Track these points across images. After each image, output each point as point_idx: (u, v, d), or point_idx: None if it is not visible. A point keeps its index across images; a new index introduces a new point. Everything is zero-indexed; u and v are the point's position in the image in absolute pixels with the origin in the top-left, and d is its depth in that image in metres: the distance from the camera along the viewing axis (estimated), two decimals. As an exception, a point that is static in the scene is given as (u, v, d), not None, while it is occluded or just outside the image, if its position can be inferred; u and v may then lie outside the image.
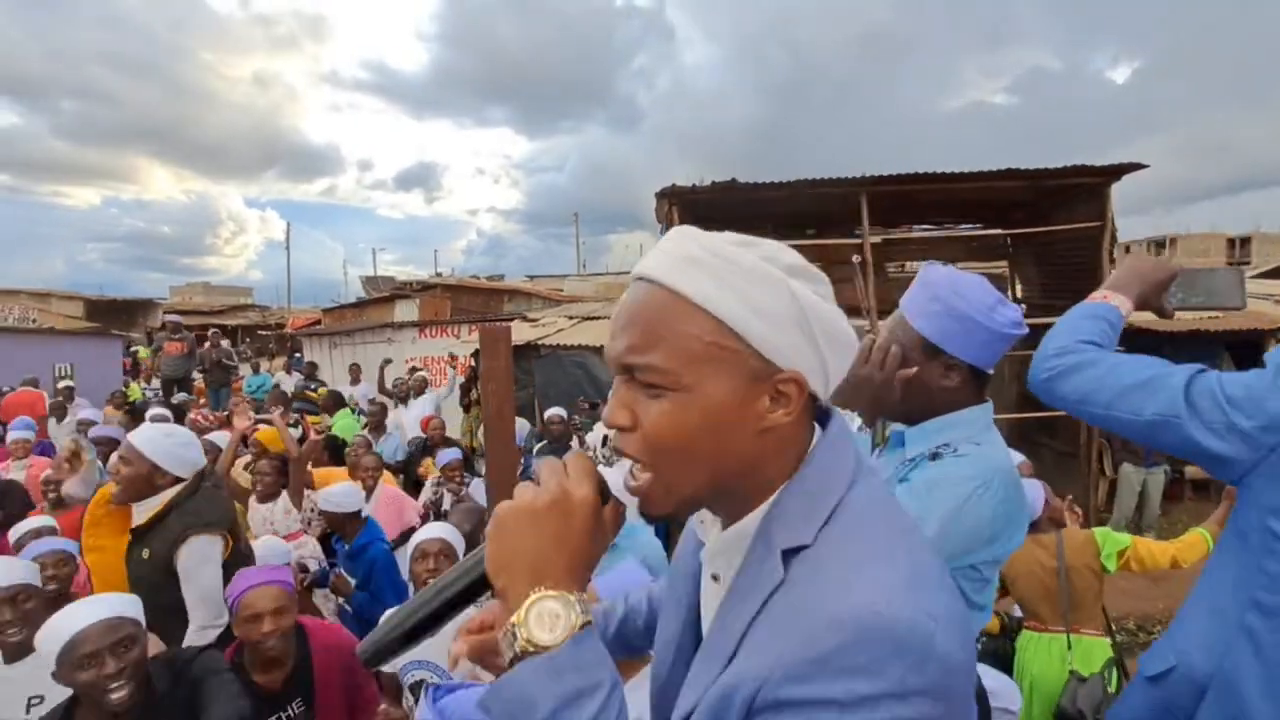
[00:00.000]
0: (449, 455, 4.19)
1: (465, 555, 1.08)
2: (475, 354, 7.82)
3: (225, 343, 10.39)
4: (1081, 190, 6.60)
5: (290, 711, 1.99)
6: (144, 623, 1.63)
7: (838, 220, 8.10)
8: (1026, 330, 1.29)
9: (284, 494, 3.74)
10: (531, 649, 0.54)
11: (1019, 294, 9.02)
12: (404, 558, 2.99)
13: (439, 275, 23.67)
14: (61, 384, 8.48)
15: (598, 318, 9.29)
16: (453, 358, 8.12)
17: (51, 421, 7.21)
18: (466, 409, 7.75)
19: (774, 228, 8.73)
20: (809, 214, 8.40)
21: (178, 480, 2.21)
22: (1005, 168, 6.48)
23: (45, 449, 5.94)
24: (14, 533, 2.95)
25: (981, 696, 1.32)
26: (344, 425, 6.46)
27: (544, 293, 12.90)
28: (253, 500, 3.63)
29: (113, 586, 2.11)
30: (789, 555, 0.57)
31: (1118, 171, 6.29)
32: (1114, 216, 6.34)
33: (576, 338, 7.61)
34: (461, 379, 8.60)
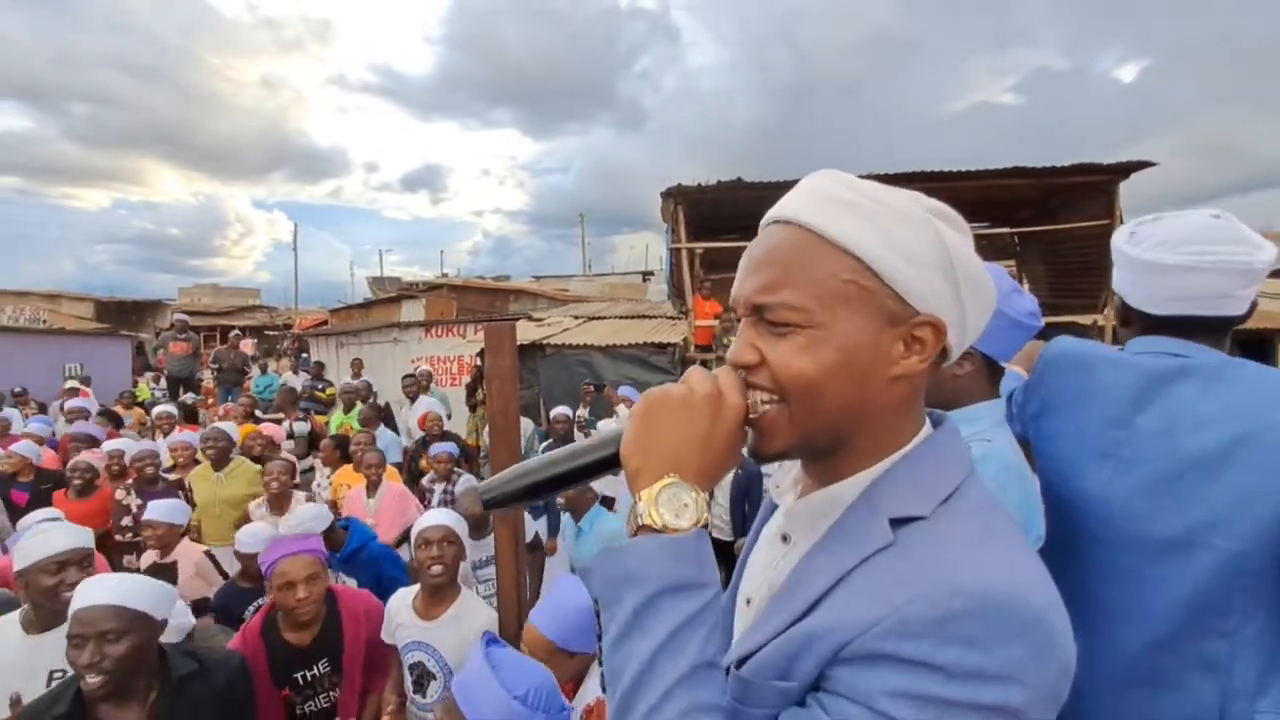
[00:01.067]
0: (440, 447, 4.20)
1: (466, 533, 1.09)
2: (481, 354, 7.84)
3: (246, 344, 10.43)
4: (1090, 189, 6.56)
5: (316, 670, 2.09)
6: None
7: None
8: (1042, 323, 1.27)
9: (297, 497, 3.71)
10: (656, 528, 0.54)
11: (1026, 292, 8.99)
12: (406, 555, 3.00)
13: (445, 276, 23.72)
14: (68, 384, 8.56)
15: (603, 317, 9.29)
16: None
17: (60, 420, 7.29)
18: (473, 409, 7.76)
19: (780, 227, 8.74)
20: (815, 213, 8.41)
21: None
22: (1012, 166, 6.45)
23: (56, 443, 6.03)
24: (23, 523, 2.99)
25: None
26: (346, 423, 6.47)
27: (549, 293, 12.93)
28: (259, 508, 3.59)
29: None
30: (898, 524, 0.54)
31: (1126, 170, 6.25)
32: (1123, 215, 6.29)
33: (581, 337, 7.63)
34: (468, 378, 8.62)
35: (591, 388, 6.13)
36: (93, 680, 1.45)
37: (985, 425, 1.18)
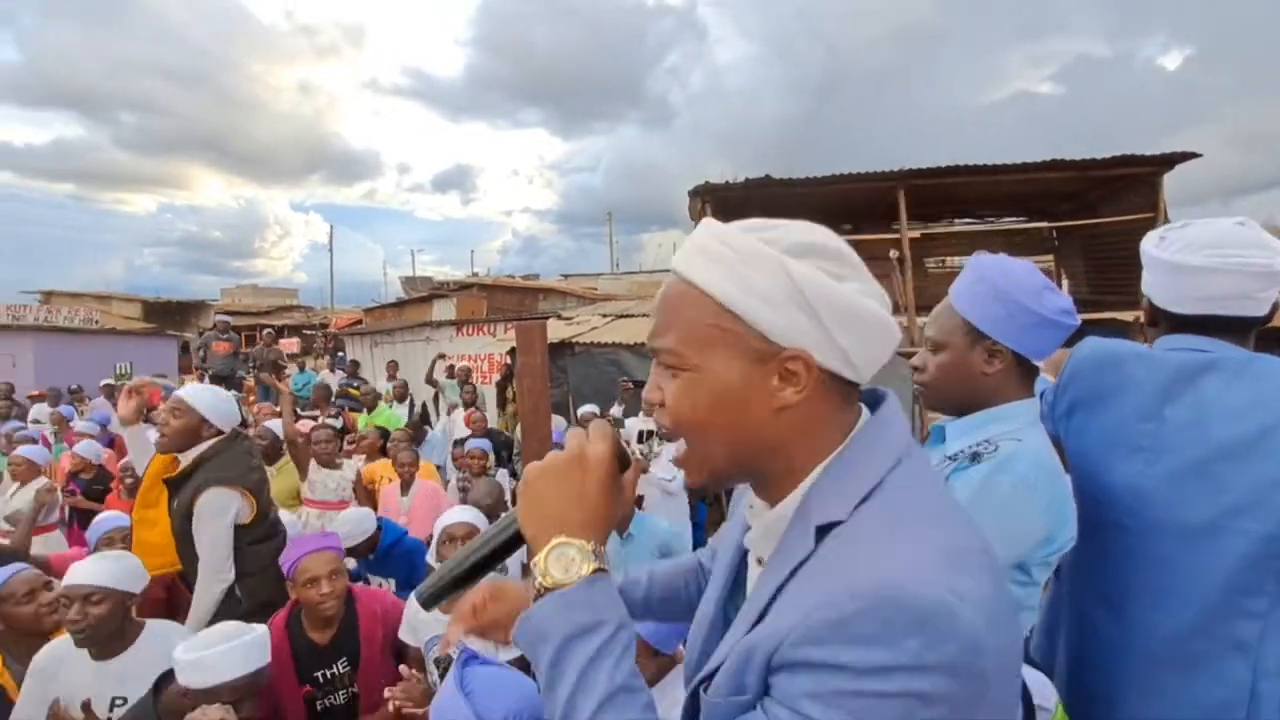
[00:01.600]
0: (474, 443, 4.29)
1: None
2: (511, 352, 7.95)
3: (290, 343, 10.74)
4: (1132, 181, 6.37)
5: (336, 669, 2.12)
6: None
7: (875, 215, 7.97)
8: (1078, 322, 1.26)
9: (346, 463, 4.07)
10: (550, 587, 0.61)
11: (1065, 288, 8.75)
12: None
13: (475, 275, 24.03)
14: (102, 383, 8.89)
15: (631, 315, 9.32)
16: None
17: (111, 414, 7.62)
18: (502, 406, 7.88)
19: (809, 224, 8.65)
20: (845, 209, 8.27)
21: (219, 433, 2.38)
22: (1050, 159, 6.28)
23: (112, 440, 6.30)
24: (93, 525, 3.16)
25: (1025, 695, 1.29)
26: (386, 419, 6.62)
27: (578, 291, 13.02)
28: (314, 465, 3.93)
29: (152, 555, 2.30)
30: (823, 531, 0.58)
31: (1169, 161, 6.05)
32: (1167, 207, 6.10)
33: (610, 336, 7.66)
34: (498, 376, 8.75)
35: (630, 385, 6.13)
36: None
37: (1018, 424, 1.17)
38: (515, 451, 5.79)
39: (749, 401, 0.60)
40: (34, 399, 8.25)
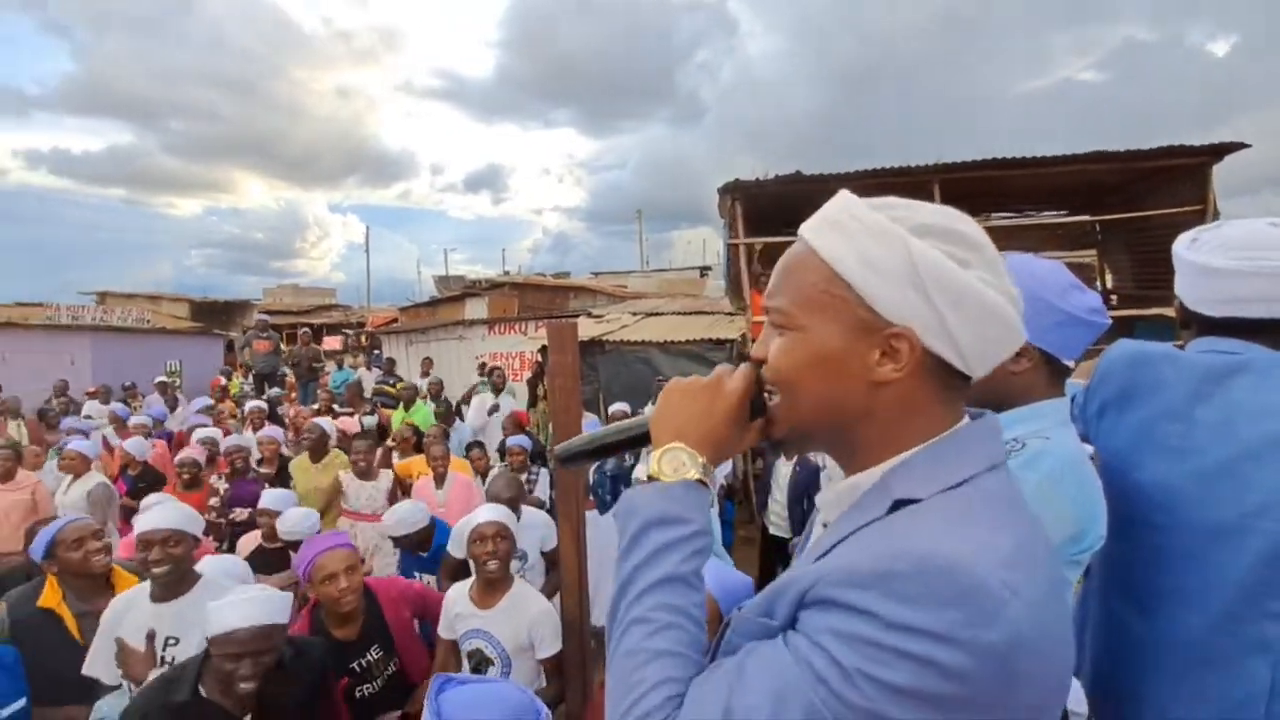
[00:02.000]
0: (515, 440, 4.38)
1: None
2: (543, 350, 8.04)
3: (334, 339, 11.03)
4: (1179, 172, 6.13)
5: (370, 656, 2.21)
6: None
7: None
8: (1108, 320, 1.25)
9: (384, 473, 4.11)
10: (656, 478, 0.68)
11: (1109, 284, 8.47)
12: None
13: (507, 274, 24.30)
14: (157, 380, 9.28)
15: (660, 314, 9.34)
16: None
17: (165, 411, 7.96)
18: (533, 404, 7.98)
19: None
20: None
21: None
22: (1093, 150, 6.10)
23: (164, 435, 6.60)
24: (143, 505, 3.33)
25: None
26: (422, 416, 6.78)
27: (608, 290, 13.09)
28: (350, 475, 4.05)
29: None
30: (899, 505, 0.59)
31: (1218, 151, 5.81)
32: (1216, 199, 5.86)
33: (640, 334, 7.70)
34: (529, 374, 8.86)
35: (664, 382, 6.22)
36: (246, 688, 1.64)
37: (1047, 423, 1.16)
38: (548, 448, 5.86)
39: (846, 370, 0.61)
40: (90, 395, 8.66)
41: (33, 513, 4.10)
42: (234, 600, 1.72)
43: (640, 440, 0.75)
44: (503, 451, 5.00)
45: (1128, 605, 1.26)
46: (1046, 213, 8.62)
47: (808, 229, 0.66)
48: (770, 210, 7.75)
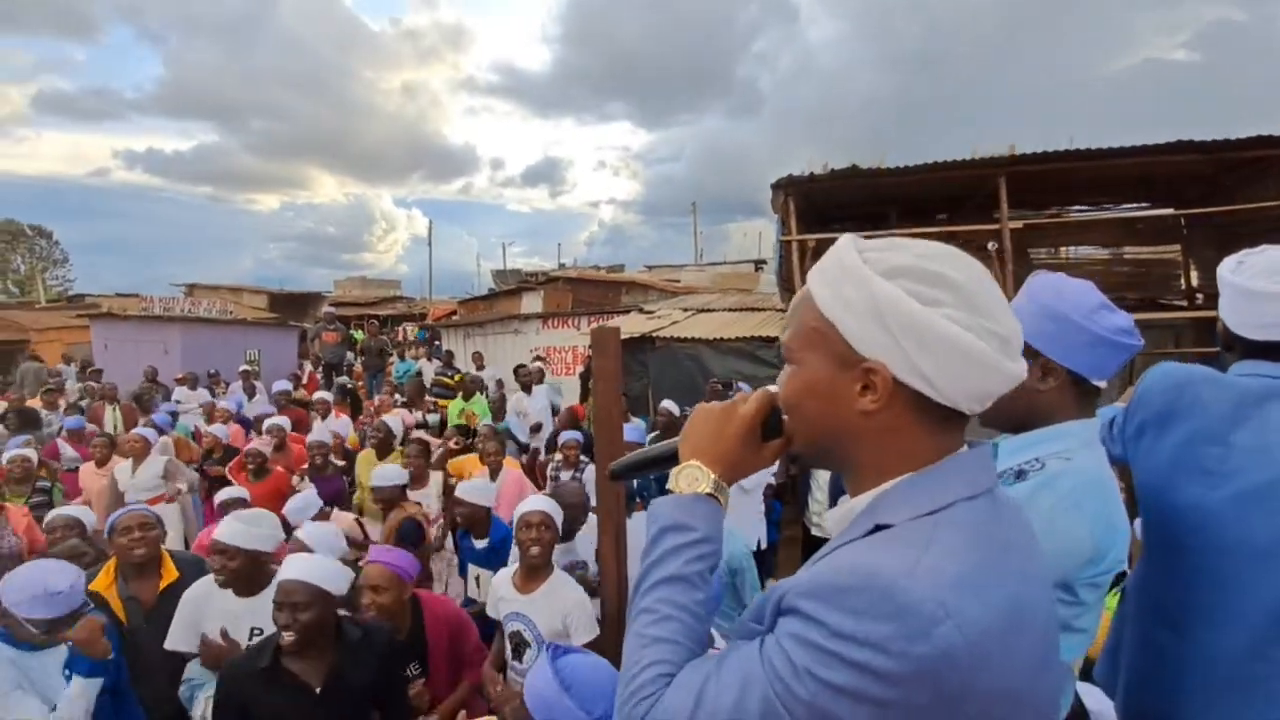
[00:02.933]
0: (568, 436, 4.49)
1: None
2: (593, 345, 8.18)
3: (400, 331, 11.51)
4: (1273, 164, 5.68)
5: (410, 672, 2.31)
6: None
7: (975, 203, 7.51)
8: (1139, 341, 1.22)
9: (434, 477, 4.26)
10: (673, 491, 0.78)
11: (1195, 281, 7.91)
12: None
13: (562, 267, 24.65)
14: (241, 368, 9.93)
15: (712, 310, 9.32)
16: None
17: (244, 398, 8.53)
18: (584, 398, 8.14)
19: (899, 215, 8.19)
20: (940, 198, 7.85)
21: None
22: (1175, 140, 5.71)
23: (244, 420, 7.08)
24: (217, 497, 3.63)
25: (1083, 717, 1.27)
26: (480, 408, 7.02)
27: (660, 284, 13.15)
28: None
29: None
30: (878, 529, 0.66)
31: (1321, 140, 5.34)
32: (1317, 193, 5.39)
33: (690, 330, 7.70)
34: (581, 368, 9.03)
35: (719, 386, 6.25)
36: (287, 637, 1.80)
37: (1072, 444, 1.15)
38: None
39: (835, 398, 0.69)
40: (178, 382, 9.35)
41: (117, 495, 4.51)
42: (294, 558, 1.92)
43: (674, 459, 0.84)
44: (549, 445, 5.15)
45: (1162, 627, 1.25)
46: (1127, 205, 8.11)
47: (812, 272, 0.74)
48: (825, 205, 7.59)
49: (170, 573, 2.50)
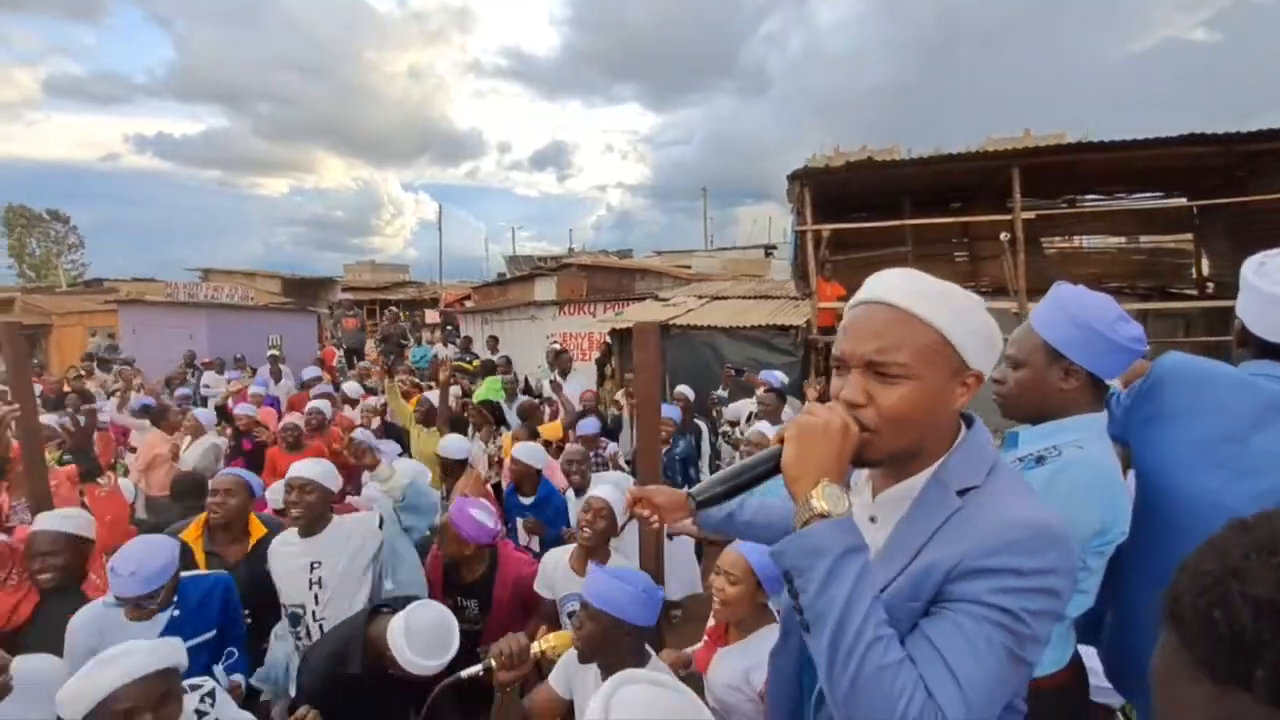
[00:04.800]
0: (586, 426, 4.71)
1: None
2: (612, 332, 8.35)
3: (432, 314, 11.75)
4: (1288, 156, 5.73)
5: (469, 604, 2.61)
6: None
7: (988, 192, 7.57)
8: (1146, 347, 1.38)
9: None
10: (823, 515, 0.77)
11: (1205, 270, 7.98)
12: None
13: (572, 251, 24.67)
14: (269, 353, 10.19)
15: (726, 297, 9.44)
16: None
17: (270, 381, 8.76)
18: (601, 382, 8.33)
19: (913, 204, 8.26)
20: (954, 187, 7.91)
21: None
22: (1189, 133, 5.76)
23: (271, 401, 7.33)
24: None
25: (1081, 670, 1.45)
26: (495, 389, 7.19)
27: (673, 272, 13.25)
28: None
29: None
30: (963, 492, 0.84)
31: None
32: (1330, 186, 5.45)
33: (706, 318, 7.83)
34: (597, 354, 9.20)
35: (732, 371, 6.44)
36: None
37: (1084, 434, 1.33)
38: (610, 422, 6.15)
39: (944, 403, 0.86)
40: (206, 366, 9.61)
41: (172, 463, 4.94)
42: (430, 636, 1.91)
43: (769, 476, 0.87)
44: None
45: (1153, 589, 1.39)
46: (1142, 195, 8.15)
47: (901, 298, 0.85)
48: (839, 195, 7.66)
49: (258, 529, 2.76)
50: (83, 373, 9.36)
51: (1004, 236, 6.77)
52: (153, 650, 1.47)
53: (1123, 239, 8.75)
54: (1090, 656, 1.52)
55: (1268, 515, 0.55)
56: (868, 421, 0.84)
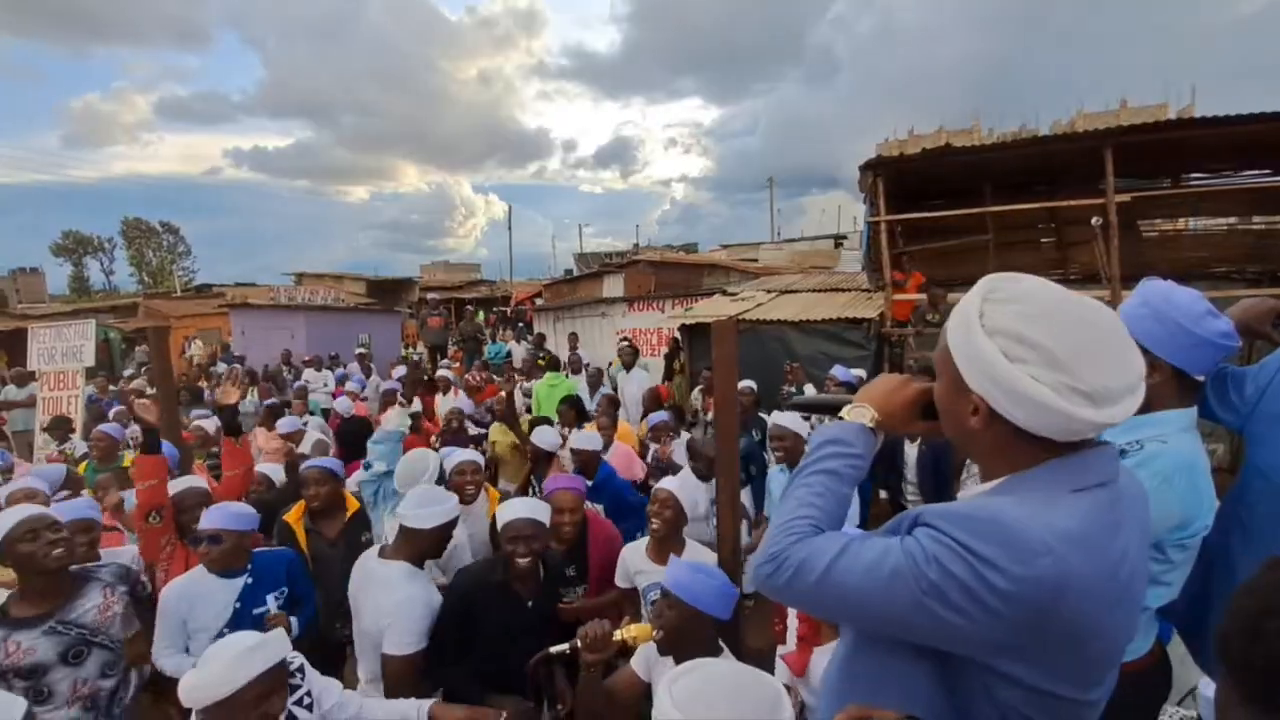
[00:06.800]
0: (657, 417, 4.86)
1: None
2: (681, 327, 8.45)
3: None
4: None
5: (568, 572, 2.82)
6: None
7: (1078, 173, 7.14)
8: (1238, 343, 1.38)
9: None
10: (843, 418, 1.04)
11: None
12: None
13: (637, 247, 24.85)
14: (357, 351, 10.90)
15: (796, 291, 9.32)
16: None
17: (363, 379, 9.39)
18: (670, 376, 8.45)
19: (994, 190, 7.87)
20: (1040, 169, 7.49)
21: None
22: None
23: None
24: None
25: (1164, 659, 1.47)
26: (567, 387, 7.44)
27: (741, 266, 13.22)
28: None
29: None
30: None
31: None
32: None
33: (775, 312, 7.72)
34: (666, 349, 9.34)
35: (790, 365, 6.46)
36: (522, 563, 2.33)
37: (1169, 429, 1.35)
38: (690, 419, 6.27)
39: (957, 413, 0.89)
40: (306, 364, 10.40)
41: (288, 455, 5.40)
42: (513, 503, 2.45)
43: (836, 409, 1.10)
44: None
45: (1247, 545, 1.37)
46: (1247, 174, 7.50)
47: (954, 316, 0.92)
48: (914, 183, 7.41)
49: (352, 505, 3.14)
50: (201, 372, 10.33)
51: (1095, 222, 6.40)
52: (264, 644, 1.58)
53: (1232, 219, 8.06)
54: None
55: None
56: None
